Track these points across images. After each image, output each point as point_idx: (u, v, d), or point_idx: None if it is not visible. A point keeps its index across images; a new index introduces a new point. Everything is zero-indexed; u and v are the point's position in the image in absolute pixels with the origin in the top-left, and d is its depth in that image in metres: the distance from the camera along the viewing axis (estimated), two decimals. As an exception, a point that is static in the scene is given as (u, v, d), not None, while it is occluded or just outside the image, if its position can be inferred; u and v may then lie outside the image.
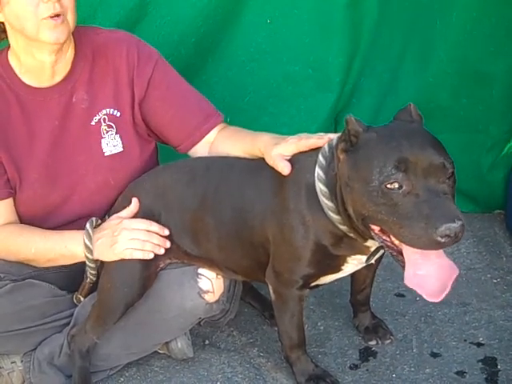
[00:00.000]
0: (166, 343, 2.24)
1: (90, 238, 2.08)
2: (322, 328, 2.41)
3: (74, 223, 2.18)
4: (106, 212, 2.20)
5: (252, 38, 2.69)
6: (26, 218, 2.17)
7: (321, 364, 2.21)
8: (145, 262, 2.06)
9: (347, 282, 2.32)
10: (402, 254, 1.74)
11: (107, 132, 2.17)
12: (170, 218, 2.11)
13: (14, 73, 2.11)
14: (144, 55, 2.18)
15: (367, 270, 2.21)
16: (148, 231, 2.06)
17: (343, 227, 1.87)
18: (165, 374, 2.25)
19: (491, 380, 2.15)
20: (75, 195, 2.17)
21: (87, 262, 2.11)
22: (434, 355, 2.25)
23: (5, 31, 2.08)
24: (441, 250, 1.72)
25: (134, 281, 2.07)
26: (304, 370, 2.13)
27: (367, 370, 2.22)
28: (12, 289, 2.09)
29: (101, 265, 2.13)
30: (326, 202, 1.86)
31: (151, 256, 2.06)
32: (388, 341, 2.31)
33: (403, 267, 1.75)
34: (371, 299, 2.35)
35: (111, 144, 2.18)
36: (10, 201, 2.15)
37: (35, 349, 2.18)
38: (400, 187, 1.67)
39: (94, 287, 2.18)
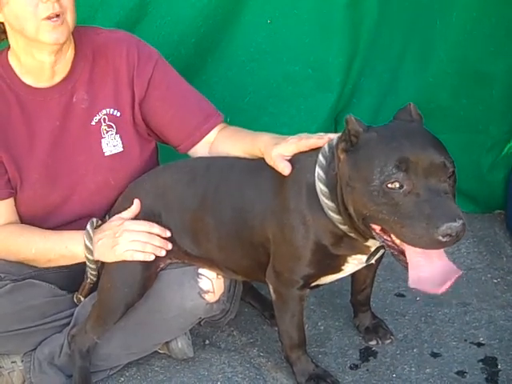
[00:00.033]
0: (167, 343, 2.24)
1: (90, 238, 2.08)
2: (322, 328, 2.41)
3: (74, 223, 2.18)
4: (106, 212, 2.20)
5: (252, 38, 2.69)
6: (27, 218, 2.17)
7: (321, 364, 2.21)
8: (145, 263, 2.06)
9: (347, 282, 2.32)
10: (403, 254, 1.74)
11: (107, 132, 2.17)
12: (170, 218, 2.11)
13: (14, 73, 2.11)
14: (144, 55, 2.18)
15: (367, 270, 2.21)
16: (149, 233, 2.06)
17: (343, 227, 1.87)
18: (165, 373, 2.25)
19: (491, 380, 2.15)
20: (75, 195, 2.17)
21: (87, 263, 2.11)
22: (435, 355, 2.25)
23: (5, 32, 2.08)
24: (442, 252, 1.72)
25: (135, 281, 2.07)
26: (304, 369, 2.13)
27: (367, 369, 2.22)
28: (12, 289, 2.09)
29: (101, 265, 2.12)
30: (327, 202, 1.86)
31: (152, 258, 2.06)
32: (388, 341, 2.31)
33: (405, 267, 1.75)
34: (371, 299, 2.35)
35: (111, 144, 2.18)
36: (10, 201, 2.15)
37: (35, 349, 2.18)
38: (401, 187, 1.67)
39: (94, 287, 2.18)
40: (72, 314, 2.20)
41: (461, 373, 2.18)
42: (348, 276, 2.15)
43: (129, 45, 2.17)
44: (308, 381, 2.12)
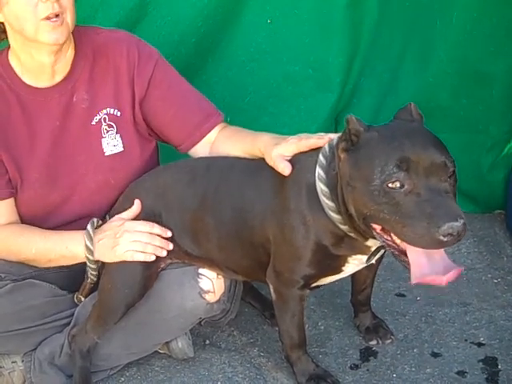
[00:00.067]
0: (167, 343, 2.24)
1: (90, 238, 2.08)
2: (322, 328, 2.41)
3: (75, 223, 2.18)
4: (106, 212, 2.20)
5: (252, 38, 2.69)
6: (27, 218, 2.17)
7: (321, 364, 2.21)
8: (146, 263, 2.06)
9: (348, 282, 2.32)
10: (403, 253, 1.74)
11: (107, 132, 2.17)
12: (171, 218, 2.11)
13: (15, 73, 2.11)
14: (144, 55, 2.18)
15: (368, 270, 2.21)
16: (150, 233, 2.06)
17: (344, 227, 1.87)
18: (165, 373, 2.25)
19: (492, 380, 2.15)
20: (75, 195, 2.17)
21: (88, 263, 2.11)
22: (435, 355, 2.25)
23: (5, 31, 2.07)
24: (443, 251, 1.72)
25: (135, 281, 2.07)
26: (305, 369, 2.13)
27: (368, 369, 2.22)
28: (12, 289, 2.09)
29: (102, 265, 2.12)
30: (327, 202, 1.86)
31: (153, 258, 2.06)
32: (389, 341, 2.31)
33: (405, 266, 1.74)
34: (372, 299, 2.35)
35: (111, 144, 2.17)
36: (11, 201, 2.15)
37: (36, 349, 2.18)
38: (402, 186, 1.67)
39: (94, 287, 2.18)
40: (72, 314, 2.20)
41: (461, 373, 2.18)
42: (348, 276, 2.15)
43: (129, 44, 2.17)
44: (308, 381, 2.12)
